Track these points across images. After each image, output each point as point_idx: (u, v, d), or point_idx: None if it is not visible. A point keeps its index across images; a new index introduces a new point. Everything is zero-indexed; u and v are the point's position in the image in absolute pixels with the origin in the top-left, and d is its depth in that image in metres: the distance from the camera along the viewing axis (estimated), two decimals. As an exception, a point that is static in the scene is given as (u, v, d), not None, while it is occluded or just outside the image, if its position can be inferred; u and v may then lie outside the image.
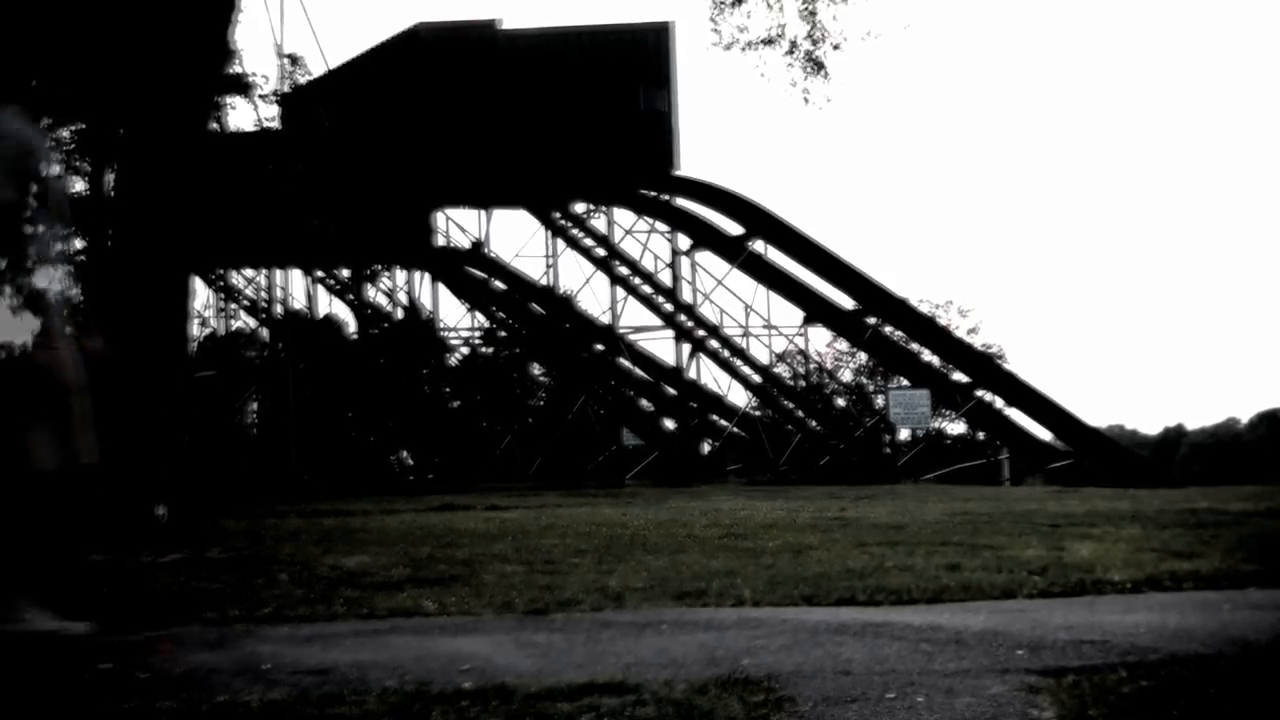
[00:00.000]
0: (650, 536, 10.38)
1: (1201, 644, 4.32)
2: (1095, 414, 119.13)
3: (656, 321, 35.97)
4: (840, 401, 41.30)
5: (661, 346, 39.07)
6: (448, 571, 7.83)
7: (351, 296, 36.54)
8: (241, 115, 46.45)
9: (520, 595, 6.48)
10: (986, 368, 35.70)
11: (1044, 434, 33.62)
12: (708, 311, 36.15)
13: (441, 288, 36.32)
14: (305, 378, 34.62)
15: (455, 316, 74.30)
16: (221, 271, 35.60)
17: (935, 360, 36.32)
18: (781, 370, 39.47)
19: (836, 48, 14.38)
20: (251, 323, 37.58)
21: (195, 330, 31.79)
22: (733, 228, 34.71)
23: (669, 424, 37.24)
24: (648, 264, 35.92)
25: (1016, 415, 33.63)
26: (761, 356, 37.67)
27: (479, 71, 33.12)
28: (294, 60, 35.15)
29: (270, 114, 34.65)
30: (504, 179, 33.55)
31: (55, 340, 4.43)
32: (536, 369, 38.87)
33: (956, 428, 40.81)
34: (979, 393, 34.30)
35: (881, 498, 19.03)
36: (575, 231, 35.93)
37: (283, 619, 5.90)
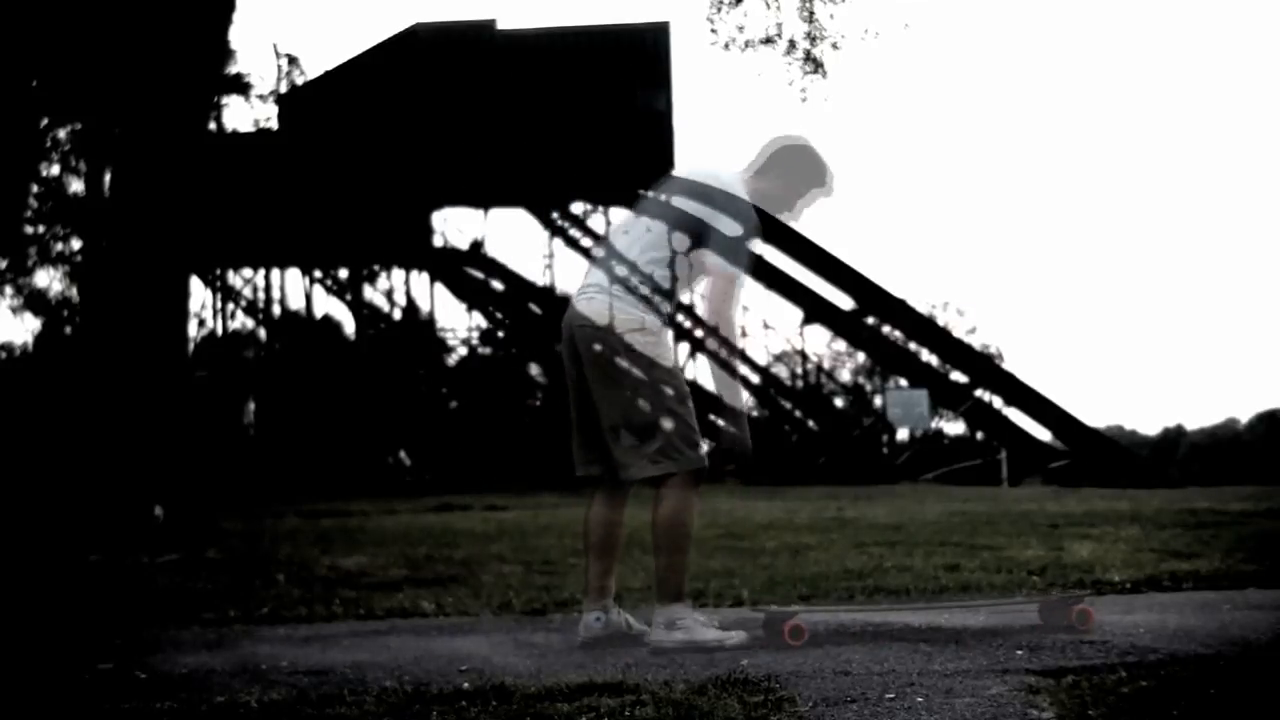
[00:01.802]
0: (648, 537, 10.38)
1: (1201, 644, 4.32)
2: (1094, 414, 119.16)
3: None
4: (839, 401, 41.31)
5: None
6: (446, 572, 7.84)
7: (349, 296, 36.52)
8: (239, 115, 46.39)
9: (518, 595, 6.48)
10: (985, 368, 35.69)
11: (1043, 434, 33.63)
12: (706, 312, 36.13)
13: (440, 288, 36.32)
14: (303, 378, 34.60)
15: (454, 317, 74.07)
16: (219, 271, 35.58)
17: (934, 360, 36.31)
18: (780, 370, 39.46)
19: (835, 47, 14.35)
20: (249, 323, 37.58)
21: (193, 330, 31.76)
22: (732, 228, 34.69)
23: (667, 424, 37.17)
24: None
25: (1015, 415, 33.63)
26: (760, 357, 37.69)
27: (477, 71, 33.10)
28: (292, 60, 35.22)
29: (268, 114, 34.71)
30: (502, 179, 33.53)
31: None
32: (535, 369, 38.84)
33: (955, 428, 40.82)
34: (977, 393, 34.29)
35: (880, 498, 19.04)
36: (574, 232, 35.93)
37: (280, 619, 5.90)
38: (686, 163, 4.96)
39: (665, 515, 4.84)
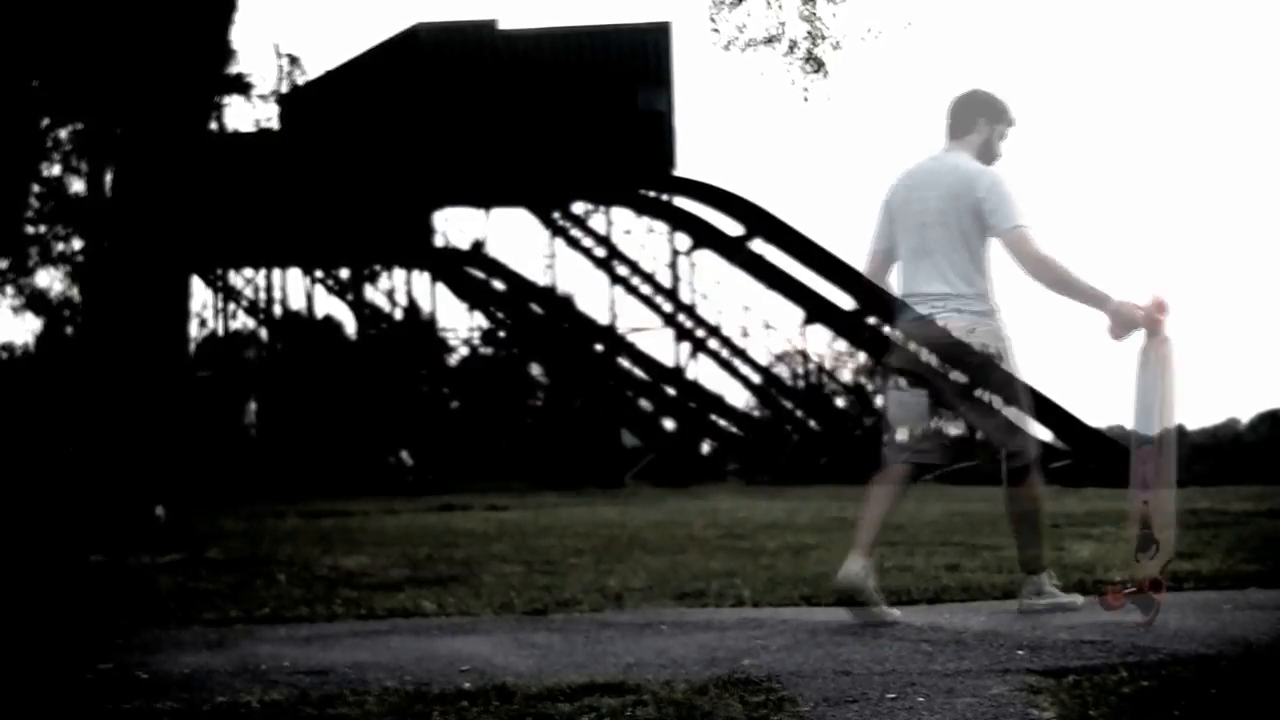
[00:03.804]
0: (649, 537, 10.39)
1: (1202, 644, 4.32)
2: (1095, 414, 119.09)
3: (656, 321, 35.98)
4: (840, 402, 41.28)
5: (661, 347, 39.03)
6: (447, 572, 7.84)
7: (351, 296, 36.53)
8: (240, 115, 46.38)
9: (519, 595, 6.48)
10: (985, 367, 35.63)
11: (1044, 434, 33.59)
12: (707, 312, 36.15)
13: (441, 287, 36.32)
14: (304, 378, 34.60)
15: (455, 317, 74.12)
16: (221, 271, 35.59)
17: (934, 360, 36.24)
18: (781, 370, 39.43)
19: (836, 47, 14.32)
20: (250, 323, 37.58)
21: (194, 330, 31.78)
22: (733, 228, 34.70)
23: (668, 424, 37.22)
24: (647, 264, 35.91)
25: (1016, 415, 33.53)
26: (761, 357, 37.68)
27: (478, 72, 33.10)
28: (293, 60, 35.23)
29: (268, 114, 34.73)
30: (504, 179, 33.53)
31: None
32: (536, 369, 38.83)
33: (956, 428, 40.75)
34: (978, 392, 34.23)
35: (881, 498, 18.99)
36: (575, 232, 35.92)
37: (282, 619, 5.89)
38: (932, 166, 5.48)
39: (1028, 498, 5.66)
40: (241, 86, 32.38)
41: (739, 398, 37.79)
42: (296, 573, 7.80)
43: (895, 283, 5.62)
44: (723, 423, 37.23)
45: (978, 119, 5.51)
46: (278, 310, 36.43)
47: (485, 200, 35.21)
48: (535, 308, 36.19)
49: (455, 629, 5.43)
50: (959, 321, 5.45)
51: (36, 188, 26.56)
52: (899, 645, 4.51)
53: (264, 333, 37.34)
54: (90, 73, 19.55)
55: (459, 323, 39.21)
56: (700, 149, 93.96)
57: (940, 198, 5.37)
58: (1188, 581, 6.36)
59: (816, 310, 34.73)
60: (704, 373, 39.51)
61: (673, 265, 35.57)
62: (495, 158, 32.89)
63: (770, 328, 36.68)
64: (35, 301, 30.98)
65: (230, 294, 36.27)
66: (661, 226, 35.55)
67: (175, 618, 5.97)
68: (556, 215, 35.78)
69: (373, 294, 37.21)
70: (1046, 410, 32.91)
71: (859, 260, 5.69)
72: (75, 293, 29.67)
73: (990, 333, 5.54)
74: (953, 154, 5.49)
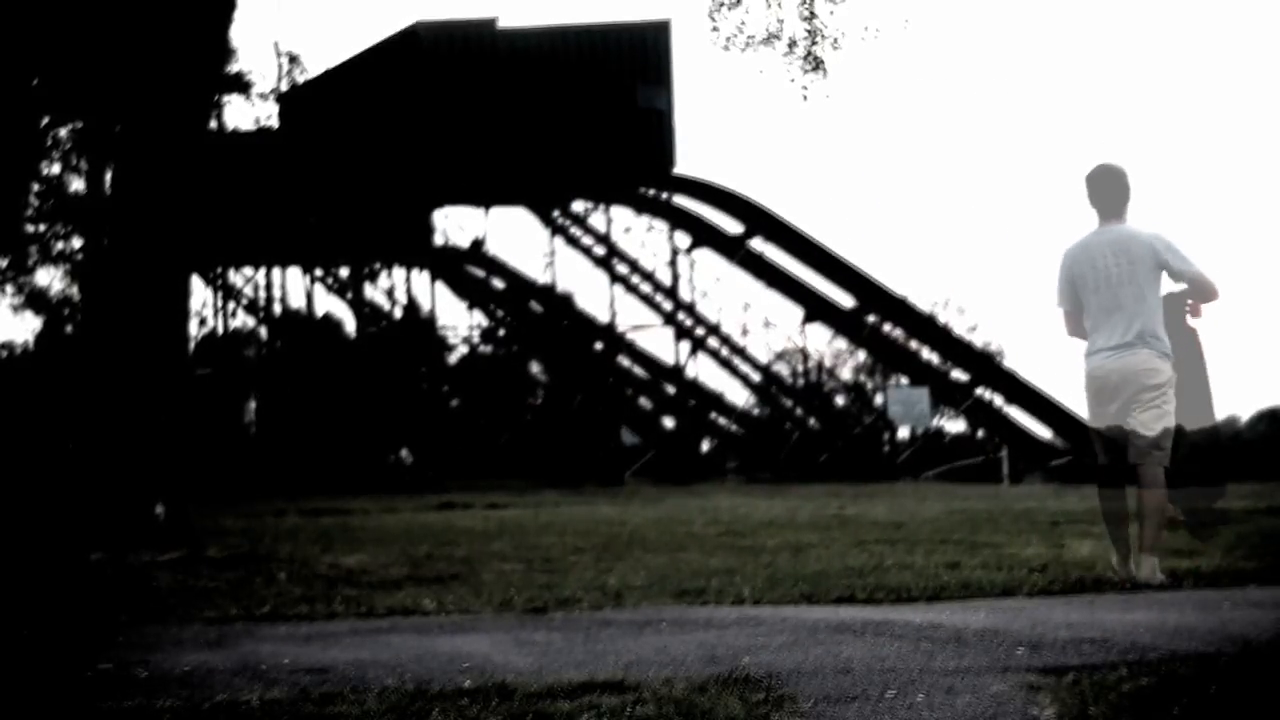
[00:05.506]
0: (649, 535, 10.40)
1: (1202, 642, 4.32)
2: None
3: (656, 320, 35.99)
4: (839, 400, 41.31)
5: (661, 345, 38.97)
6: (447, 570, 7.84)
7: (350, 295, 36.52)
8: (240, 114, 46.33)
9: (519, 594, 6.48)
10: (986, 366, 35.67)
11: (1044, 432, 33.61)
12: (707, 310, 36.16)
13: (441, 286, 36.31)
14: (304, 376, 34.59)
15: (454, 315, 74.27)
16: (220, 270, 35.57)
17: (935, 358, 36.29)
18: (781, 368, 39.46)
19: (835, 45, 14.31)
20: (250, 321, 37.57)
21: (194, 329, 31.76)
22: (732, 226, 34.72)
23: (668, 422, 37.22)
24: (647, 262, 35.92)
25: (1016, 413, 33.62)
26: (761, 355, 37.71)
27: (478, 70, 33.09)
28: (293, 58, 35.20)
29: (268, 112, 34.71)
30: (503, 177, 33.53)
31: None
32: (536, 368, 38.83)
33: (956, 426, 40.82)
34: (978, 391, 34.29)
35: (881, 496, 19.06)
36: (575, 230, 35.92)
37: (282, 618, 5.89)
38: (1150, 237, 6.90)
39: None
40: (241, 85, 32.36)
41: (739, 396, 37.81)
42: (296, 571, 7.81)
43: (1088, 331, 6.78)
44: (722, 421, 37.24)
45: (1126, 195, 6.78)
46: (277, 309, 36.43)
47: (485, 199, 35.21)
48: (535, 306, 36.20)
49: (455, 627, 5.43)
50: (1147, 358, 6.61)
51: (36, 186, 26.56)
52: (899, 643, 4.51)
53: (264, 331, 37.34)
54: (90, 72, 19.53)
55: (458, 321, 39.24)
56: (700, 147, 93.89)
57: (1130, 263, 6.64)
58: (1188, 579, 6.36)
59: (816, 308, 34.75)
60: (703, 371, 39.52)
61: (672, 263, 35.57)
62: (495, 156, 32.88)
63: (770, 326, 36.71)
64: (35, 300, 31.00)
65: (230, 292, 36.26)
66: (661, 225, 35.57)
67: (175, 615, 5.97)
68: (556, 213, 35.77)
69: (372, 292, 37.24)
70: (1047, 408, 32.99)
71: (1063, 322, 7.01)
72: (75, 291, 29.68)
73: (1168, 369, 6.69)
74: (1121, 226, 6.74)
